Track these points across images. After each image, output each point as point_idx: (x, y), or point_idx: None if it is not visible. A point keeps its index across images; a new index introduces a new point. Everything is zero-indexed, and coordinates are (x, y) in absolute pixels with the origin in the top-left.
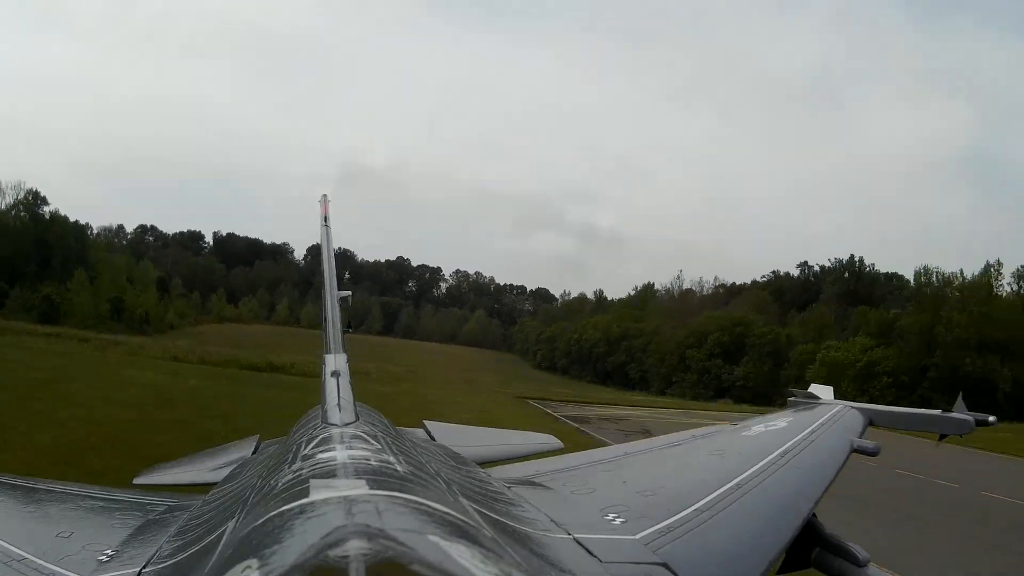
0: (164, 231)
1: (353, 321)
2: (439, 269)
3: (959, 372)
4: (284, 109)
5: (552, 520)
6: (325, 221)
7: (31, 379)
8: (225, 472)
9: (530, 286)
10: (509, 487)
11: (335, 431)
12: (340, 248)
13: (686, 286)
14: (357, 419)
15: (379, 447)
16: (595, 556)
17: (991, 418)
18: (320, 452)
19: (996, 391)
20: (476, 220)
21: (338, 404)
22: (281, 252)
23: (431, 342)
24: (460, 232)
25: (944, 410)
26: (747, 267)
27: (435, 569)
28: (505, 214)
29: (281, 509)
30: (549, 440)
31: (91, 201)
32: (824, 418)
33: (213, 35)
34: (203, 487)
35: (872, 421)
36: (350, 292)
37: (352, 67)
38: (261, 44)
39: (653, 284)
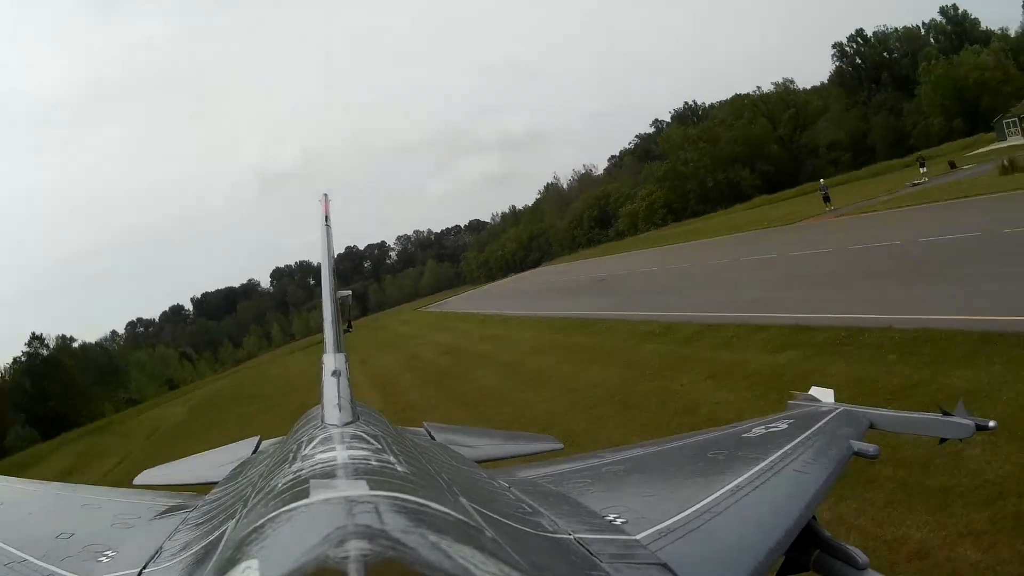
0: (150, 317)
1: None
2: (383, 242)
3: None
4: (170, 152)
5: (552, 520)
6: (326, 220)
7: None
8: (225, 472)
9: (472, 218)
10: (509, 487)
11: (335, 431)
12: (299, 262)
13: (582, 171)
14: (357, 419)
15: (379, 447)
16: (595, 556)
17: (991, 423)
18: (320, 452)
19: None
20: (403, 179)
21: (338, 404)
22: (252, 288)
23: (399, 306)
24: (393, 196)
25: (945, 413)
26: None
27: (435, 569)
28: (427, 159)
29: (281, 509)
30: (549, 441)
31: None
32: (823, 421)
33: None
34: (203, 487)
35: (872, 424)
36: (350, 292)
37: (211, 81)
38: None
39: (553, 182)
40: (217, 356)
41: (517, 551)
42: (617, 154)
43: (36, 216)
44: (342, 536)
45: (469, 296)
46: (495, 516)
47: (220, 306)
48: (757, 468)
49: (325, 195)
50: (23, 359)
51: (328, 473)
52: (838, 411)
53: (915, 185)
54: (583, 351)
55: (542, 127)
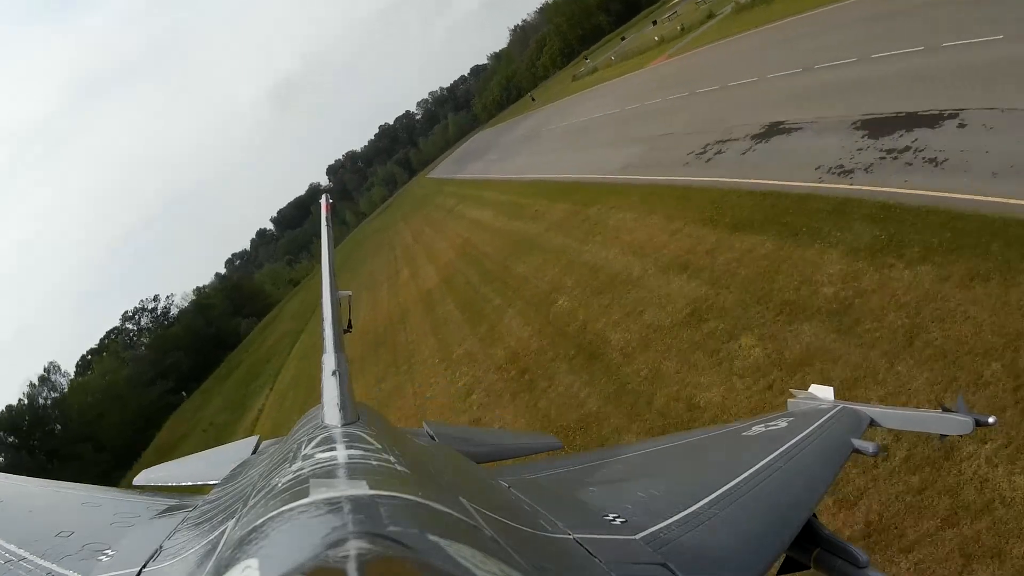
0: (241, 249)
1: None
2: (407, 111)
3: None
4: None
5: (552, 520)
6: (326, 220)
7: None
8: (225, 472)
9: (473, 64)
10: (509, 487)
11: (335, 431)
12: (346, 152)
13: None
14: (357, 419)
15: (379, 447)
16: (595, 556)
17: (991, 419)
18: (320, 452)
19: None
20: (405, 41)
21: (338, 404)
22: (315, 190)
23: (435, 162)
24: (402, 64)
25: (944, 409)
26: None
27: (435, 569)
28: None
29: (281, 509)
30: (550, 440)
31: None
32: (824, 419)
33: None
34: (203, 487)
35: (872, 421)
36: (350, 292)
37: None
38: None
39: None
40: (312, 253)
41: (517, 551)
42: None
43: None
44: (342, 536)
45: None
46: (495, 516)
47: (296, 215)
48: (757, 467)
49: (326, 195)
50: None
51: (328, 473)
52: (838, 409)
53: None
54: None
55: None
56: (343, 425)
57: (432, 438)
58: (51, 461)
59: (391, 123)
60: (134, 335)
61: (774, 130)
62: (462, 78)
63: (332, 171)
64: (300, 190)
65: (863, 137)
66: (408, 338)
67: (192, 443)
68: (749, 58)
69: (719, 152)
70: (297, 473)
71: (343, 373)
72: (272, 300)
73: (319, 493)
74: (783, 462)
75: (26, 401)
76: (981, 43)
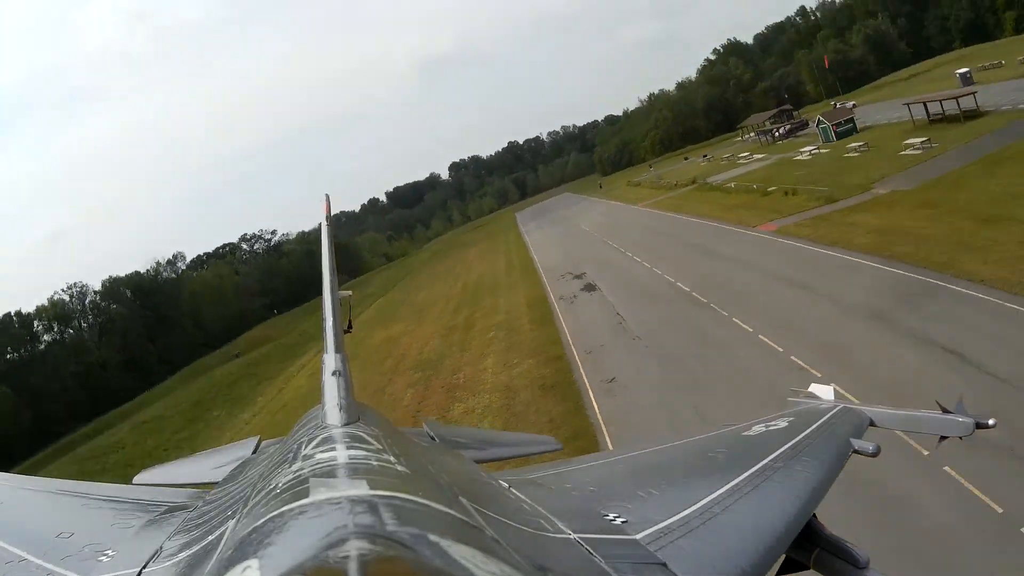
0: (351, 209)
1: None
2: (538, 136)
3: None
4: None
5: (552, 520)
6: (327, 220)
7: None
8: (225, 472)
9: (608, 113)
10: (509, 487)
11: (335, 431)
12: (471, 156)
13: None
14: (357, 419)
15: (379, 447)
16: (595, 556)
17: (991, 421)
18: (320, 452)
19: None
20: (556, 65)
21: (338, 404)
22: (435, 180)
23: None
24: (547, 89)
25: (944, 411)
26: None
27: (435, 569)
28: (580, 32)
29: (281, 509)
30: (549, 440)
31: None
32: (824, 419)
33: None
34: (203, 487)
35: (872, 422)
36: (350, 292)
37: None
38: None
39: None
40: (413, 236)
41: (517, 551)
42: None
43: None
44: (342, 536)
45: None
46: (495, 516)
47: (410, 196)
48: (757, 467)
49: (326, 195)
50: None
51: (329, 473)
52: (838, 409)
53: None
54: None
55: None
56: (343, 425)
57: (432, 438)
58: (159, 323)
59: (520, 142)
60: (247, 254)
61: None
62: (594, 122)
63: (454, 168)
64: (420, 174)
65: None
66: None
67: (274, 350)
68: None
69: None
70: (297, 473)
71: (344, 373)
72: (365, 266)
73: (320, 493)
74: (783, 462)
75: (152, 273)
76: None
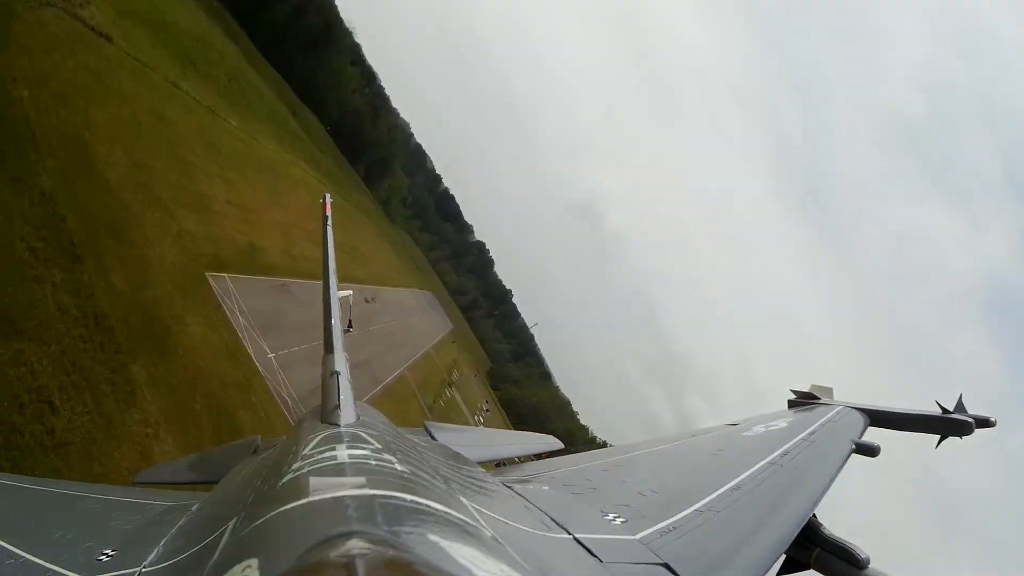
0: None
1: None
2: None
3: None
4: None
5: (552, 520)
6: (326, 221)
7: None
8: (225, 472)
9: None
10: (509, 487)
11: (335, 431)
12: None
13: None
14: (357, 419)
15: (379, 447)
16: (595, 556)
17: (992, 418)
18: (320, 452)
19: None
20: None
21: (338, 404)
22: None
23: None
24: None
25: (944, 411)
26: None
27: (435, 568)
28: None
29: (281, 509)
30: (549, 440)
31: None
32: (824, 419)
33: None
34: (203, 487)
35: (872, 421)
36: (350, 292)
37: None
38: None
39: None
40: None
41: (517, 551)
42: None
43: None
44: (342, 536)
45: None
46: (495, 516)
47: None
48: (757, 467)
49: (326, 195)
50: None
51: (328, 472)
52: (838, 409)
53: None
54: None
55: None
56: (343, 425)
57: (432, 438)
58: None
59: None
60: None
61: None
62: None
63: None
64: None
65: None
66: None
67: None
68: None
69: None
70: (297, 473)
71: (344, 373)
72: None
73: (319, 493)
74: (783, 462)
75: None
76: None
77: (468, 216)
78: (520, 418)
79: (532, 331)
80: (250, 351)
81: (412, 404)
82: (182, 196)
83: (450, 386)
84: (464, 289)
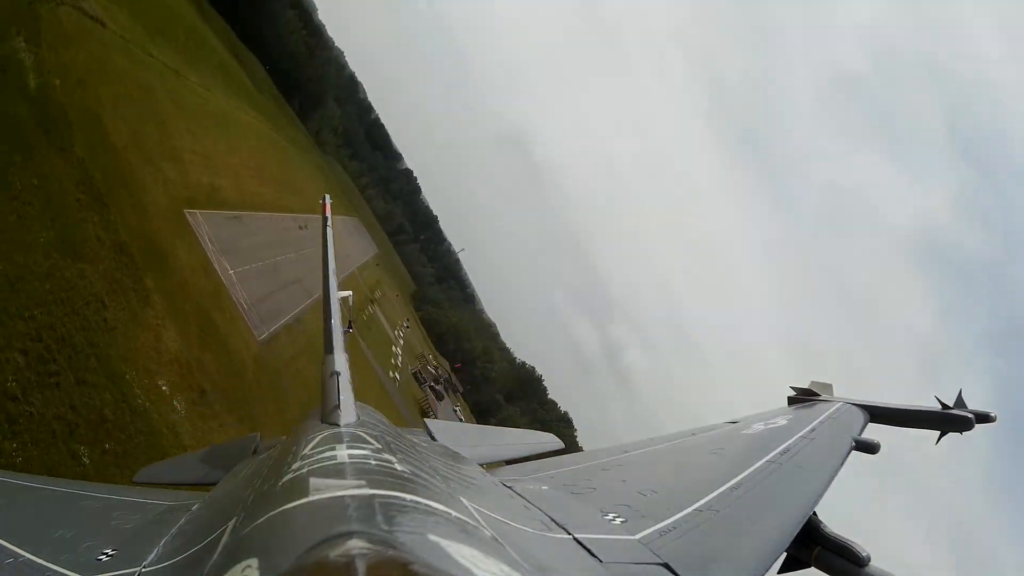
0: None
1: None
2: None
3: None
4: None
5: (552, 520)
6: (326, 222)
7: None
8: (225, 471)
9: None
10: (509, 487)
11: (335, 431)
12: None
13: None
14: (357, 419)
15: (379, 447)
16: (595, 556)
17: (992, 413)
18: (320, 452)
19: None
20: None
21: (338, 404)
22: None
23: None
24: None
25: (944, 407)
26: None
27: (435, 568)
28: None
29: (281, 508)
30: (550, 439)
31: None
32: (824, 416)
33: None
34: (203, 487)
35: (872, 418)
36: (350, 292)
37: None
38: None
39: None
40: None
41: (517, 551)
42: None
43: None
44: (342, 535)
45: None
46: (495, 516)
47: None
48: (757, 466)
49: (326, 196)
50: None
51: (328, 472)
52: (838, 406)
53: None
54: None
55: None
56: (343, 425)
57: (432, 437)
58: None
59: None
60: None
61: None
62: None
63: None
64: None
65: None
66: None
67: None
68: None
69: None
70: (297, 473)
71: (344, 374)
72: None
73: (319, 493)
74: (783, 460)
75: None
76: None
77: (398, 145)
78: (439, 336)
79: (459, 256)
80: (216, 268)
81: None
82: (163, 152)
83: (372, 303)
84: (391, 215)
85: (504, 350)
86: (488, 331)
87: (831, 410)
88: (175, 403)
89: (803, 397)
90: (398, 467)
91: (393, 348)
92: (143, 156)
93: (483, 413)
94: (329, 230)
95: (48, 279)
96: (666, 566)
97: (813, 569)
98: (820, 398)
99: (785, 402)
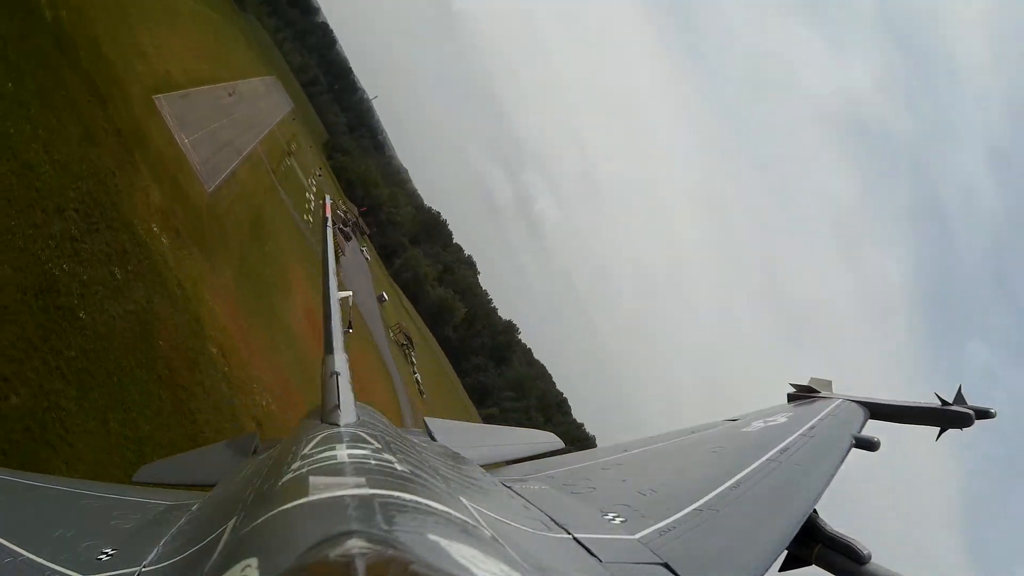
0: None
1: None
2: None
3: None
4: None
5: (552, 520)
6: (326, 222)
7: None
8: (225, 471)
9: None
10: (509, 486)
11: (335, 431)
12: None
13: None
14: (357, 419)
15: (379, 447)
16: (595, 556)
17: (992, 409)
18: (320, 452)
19: None
20: None
21: (338, 404)
22: None
23: None
24: None
25: (944, 403)
26: None
27: (435, 568)
28: None
29: (281, 508)
30: (550, 439)
31: None
32: (823, 413)
33: None
34: (202, 487)
35: (872, 414)
36: (351, 292)
37: None
38: None
39: None
40: None
41: (516, 550)
42: None
43: None
44: (342, 535)
45: None
46: (495, 516)
47: None
48: (757, 464)
49: (326, 197)
50: None
51: (328, 472)
52: (837, 403)
53: None
54: None
55: None
56: (343, 425)
57: (432, 437)
58: None
59: None
60: None
61: None
62: None
63: None
64: None
65: None
66: None
67: None
68: None
69: None
70: (297, 472)
71: (344, 374)
72: None
73: (319, 492)
74: (783, 458)
75: None
76: None
77: None
78: (348, 183)
79: (371, 104)
80: (176, 140)
81: (261, 169)
82: (133, 50)
83: (289, 156)
84: (306, 67)
85: (413, 195)
86: (397, 177)
87: (831, 407)
88: (162, 240)
89: (802, 394)
90: (398, 467)
91: (306, 195)
92: (122, 57)
93: (389, 256)
94: (329, 230)
95: (82, 161)
96: (666, 566)
97: (814, 567)
98: (819, 395)
99: (785, 398)
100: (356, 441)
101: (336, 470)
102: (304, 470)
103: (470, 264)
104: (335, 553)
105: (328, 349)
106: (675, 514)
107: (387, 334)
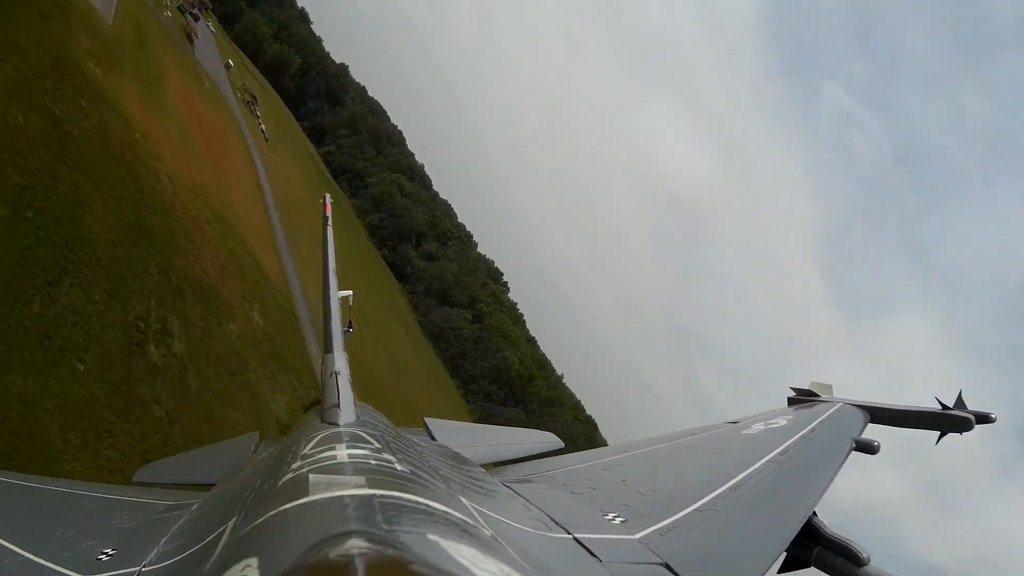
0: None
1: None
2: None
3: None
4: None
5: (552, 520)
6: (326, 221)
7: None
8: (225, 471)
9: None
10: (509, 486)
11: (335, 431)
12: None
13: None
14: (357, 419)
15: (379, 447)
16: (595, 556)
17: (992, 415)
18: (320, 451)
19: None
20: None
21: (338, 404)
22: None
23: None
24: None
25: (944, 407)
26: None
27: (435, 568)
28: None
29: (281, 508)
30: (550, 439)
31: None
32: (824, 416)
33: None
34: (202, 487)
35: (872, 418)
36: (351, 292)
37: None
38: None
39: None
40: None
41: (516, 550)
42: None
43: None
44: (342, 534)
45: None
46: (494, 515)
47: None
48: (757, 465)
49: (326, 195)
50: None
51: (328, 472)
52: (838, 406)
53: None
54: None
55: None
56: (343, 425)
57: (432, 437)
58: None
59: None
60: None
61: None
62: None
63: None
64: None
65: None
66: None
67: None
68: None
69: None
70: (297, 472)
71: (344, 373)
72: None
73: (319, 492)
74: (783, 461)
75: None
76: None
77: None
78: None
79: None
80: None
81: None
82: None
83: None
84: None
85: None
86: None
87: (831, 411)
88: (97, 72)
89: (803, 398)
90: (398, 467)
91: None
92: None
93: (230, 21)
94: (329, 230)
95: (44, 33)
96: (666, 566)
97: (813, 569)
98: (820, 399)
99: (785, 402)
100: (356, 441)
101: (336, 470)
102: (304, 470)
103: (303, 17)
104: (335, 553)
105: (328, 348)
106: (675, 515)
107: (235, 95)
